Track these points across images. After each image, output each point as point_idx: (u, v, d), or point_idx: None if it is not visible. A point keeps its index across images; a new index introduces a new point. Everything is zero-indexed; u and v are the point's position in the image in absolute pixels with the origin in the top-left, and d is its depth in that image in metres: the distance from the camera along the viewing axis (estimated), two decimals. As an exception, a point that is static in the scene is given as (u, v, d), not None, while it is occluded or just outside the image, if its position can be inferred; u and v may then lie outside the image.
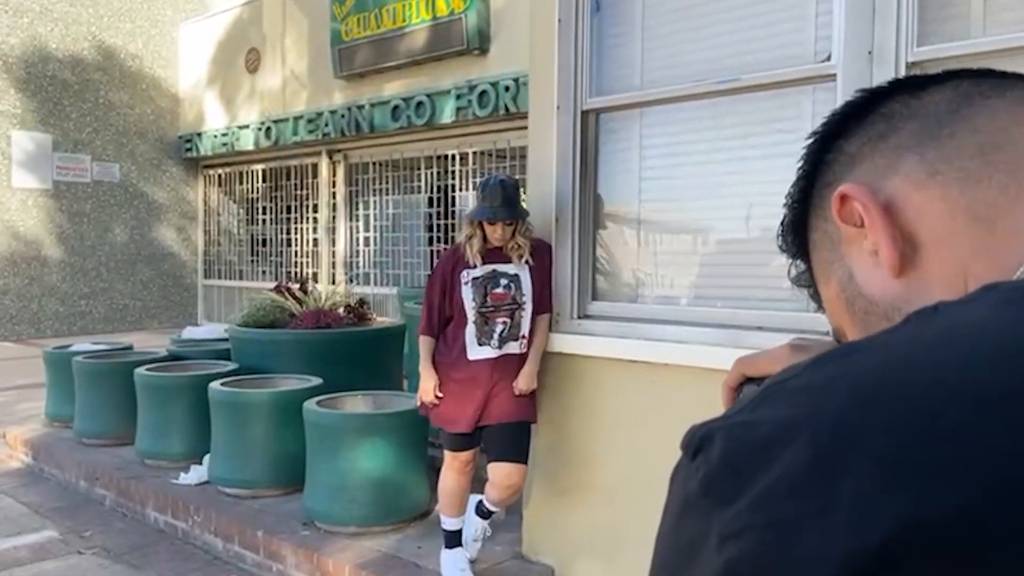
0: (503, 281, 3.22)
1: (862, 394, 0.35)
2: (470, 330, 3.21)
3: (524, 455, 3.31)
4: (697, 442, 0.39)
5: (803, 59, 2.81)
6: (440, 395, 3.30)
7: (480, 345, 3.21)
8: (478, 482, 3.53)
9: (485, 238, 3.19)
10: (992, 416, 0.33)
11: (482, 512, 3.49)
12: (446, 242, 9.69)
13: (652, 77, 3.19)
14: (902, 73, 2.53)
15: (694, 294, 3.17)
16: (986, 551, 0.30)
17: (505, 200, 3.13)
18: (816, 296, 0.60)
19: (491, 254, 3.22)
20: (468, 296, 3.21)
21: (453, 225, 9.68)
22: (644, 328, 3.13)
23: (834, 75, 2.68)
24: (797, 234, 0.59)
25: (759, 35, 2.92)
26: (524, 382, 3.26)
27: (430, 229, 9.91)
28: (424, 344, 3.34)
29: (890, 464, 0.33)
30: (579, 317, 3.32)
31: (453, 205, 9.68)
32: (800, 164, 0.58)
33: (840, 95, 2.65)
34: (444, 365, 3.28)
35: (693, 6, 3.10)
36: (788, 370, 0.40)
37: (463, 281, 3.21)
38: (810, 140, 0.57)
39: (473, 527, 3.51)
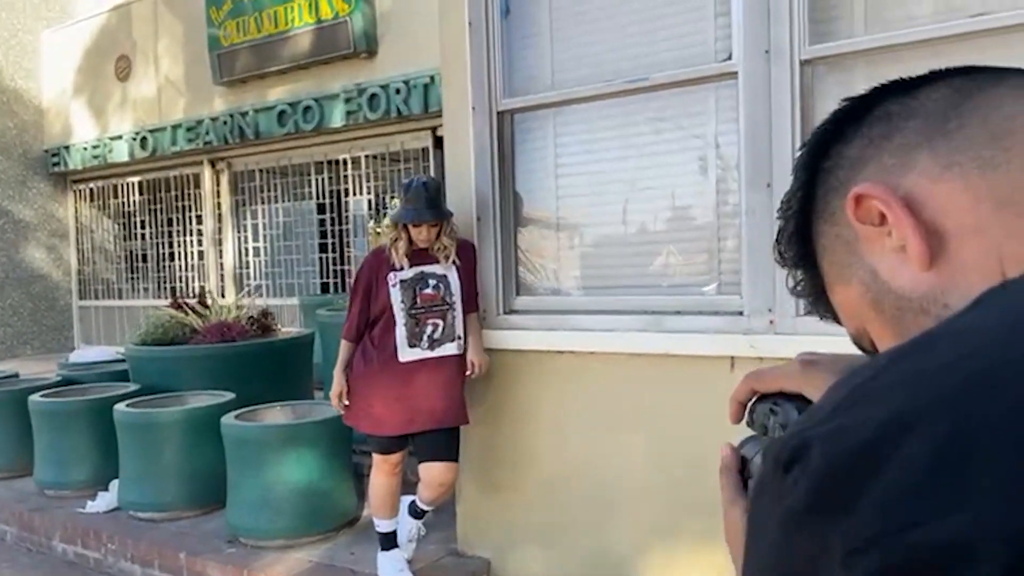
0: (431, 282, 3.24)
1: (976, 377, 0.34)
2: (400, 332, 3.22)
3: (455, 453, 3.35)
4: (789, 453, 0.37)
5: (706, 58, 2.98)
6: (347, 403, 3.31)
7: (411, 347, 3.22)
8: (406, 483, 3.55)
9: (411, 240, 3.21)
10: None
11: (415, 512, 3.51)
12: (341, 248, 9.57)
13: (563, 78, 3.29)
14: (797, 70, 2.73)
15: (615, 283, 3.29)
16: None
17: (428, 201, 3.16)
18: (817, 304, 0.60)
19: (417, 256, 3.24)
20: (397, 298, 3.21)
21: (346, 231, 9.56)
22: (570, 319, 3.23)
23: (735, 73, 2.86)
24: (801, 243, 0.59)
25: (663, 36, 3.07)
26: (476, 355, 3.28)
27: (323, 236, 9.74)
28: (343, 348, 3.35)
29: None
30: (506, 312, 3.39)
31: (346, 211, 9.57)
32: (794, 175, 0.58)
33: (741, 91, 2.83)
34: (373, 368, 3.26)
35: (598, 9, 3.22)
36: (861, 371, 0.39)
37: (391, 283, 3.22)
38: (801, 151, 0.57)
39: (407, 528, 3.53)
